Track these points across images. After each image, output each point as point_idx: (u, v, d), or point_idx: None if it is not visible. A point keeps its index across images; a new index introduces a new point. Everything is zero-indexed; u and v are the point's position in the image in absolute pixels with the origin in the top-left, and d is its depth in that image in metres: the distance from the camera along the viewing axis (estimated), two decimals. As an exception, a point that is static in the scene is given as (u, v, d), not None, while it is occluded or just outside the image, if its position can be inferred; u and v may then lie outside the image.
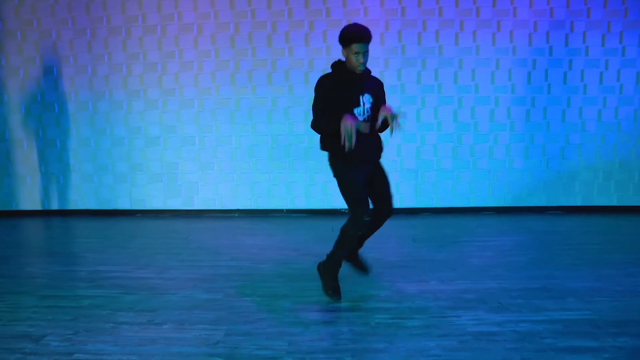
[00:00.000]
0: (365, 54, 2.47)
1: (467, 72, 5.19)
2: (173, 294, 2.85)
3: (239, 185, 5.36)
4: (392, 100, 5.14)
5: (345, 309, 2.60)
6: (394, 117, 2.45)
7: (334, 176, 2.68)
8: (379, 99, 2.67)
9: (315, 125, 2.60)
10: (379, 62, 5.15)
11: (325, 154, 2.73)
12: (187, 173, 5.38)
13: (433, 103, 5.23)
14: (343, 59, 2.59)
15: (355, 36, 2.44)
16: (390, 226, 4.77)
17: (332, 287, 2.68)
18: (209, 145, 5.32)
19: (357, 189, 2.57)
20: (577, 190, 5.33)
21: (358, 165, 2.61)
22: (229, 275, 3.18)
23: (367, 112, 2.59)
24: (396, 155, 5.28)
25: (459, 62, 5.18)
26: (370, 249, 3.80)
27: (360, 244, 2.92)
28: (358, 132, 2.48)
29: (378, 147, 2.72)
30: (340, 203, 5.09)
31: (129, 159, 5.39)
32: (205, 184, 5.39)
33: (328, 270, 2.71)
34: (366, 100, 2.58)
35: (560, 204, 5.35)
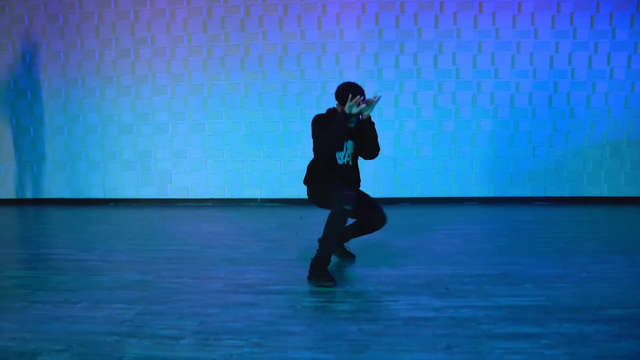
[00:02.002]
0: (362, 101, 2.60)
1: (448, 56, 4.96)
2: (105, 276, 2.71)
3: (212, 173, 5.23)
4: (370, 86, 4.96)
5: (276, 292, 2.41)
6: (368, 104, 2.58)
7: (315, 198, 2.75)
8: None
9: (321, 149, 2.67)
10: (355, 45, 4.97)
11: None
12: (161, 161, 5.27)
13: (412, 88, 5.01)
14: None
15: (345, 96, 2.58)
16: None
17: (322, 276, 2.50)
18: (182, 132, 5.20)
19: (337, 187, 2.59)
20: (565, 180, 5.06)
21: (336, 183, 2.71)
22: (172, 259, 3.03)
23: (348, 157, 2.74)
24: (373, 143, 5.07)
25: (439, 45, 4.96)
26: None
27: (346, 240, 2.96)
28: (339, 169, 2.72)
29: (356, 183, 2.85)
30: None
31: (102, 147, 5.31)
32: (179, 173, 5.26)
33: (317, 262, 2.54)
34: (349, 145, 2.73)
35: (547, 195, 5.08)
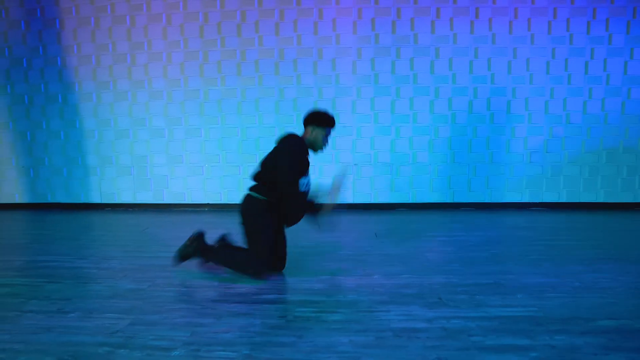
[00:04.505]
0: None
1: (445, 61, 4.97)
2: (98, 284, 2.71)
3: (209, 179, 5.23)
4: (366, 90, 4.97)
5: (268, 301, 2.42)
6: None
7: (247, 219, 2.73)
8: None
9: (295, 195, 2.63)
10: (352, 51, 4.97)
11: None
12: (157, 166, 5.27)
13: (408, 94, 5.02)
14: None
15: (332, 122, 2.71)
16: (357, 221, 4.60)
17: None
18: (178, 137, 5.21)
19: (268, 242, 2.70)
20: (561, 186, 5.06)
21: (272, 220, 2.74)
22: (166, 266, 3.03)
23: (308, 185, 2.74)
24: (370, 148, 5.08)
25: (435, 50, 4.97)
26: (324, 244, 3.63)
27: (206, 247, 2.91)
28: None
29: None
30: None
31: (99, 151, 5.31)
32: (175, 178, 5.27)
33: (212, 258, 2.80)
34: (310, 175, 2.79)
35: (544, 200, 5.09)
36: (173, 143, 5.20)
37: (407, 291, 2.56)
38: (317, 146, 2.75)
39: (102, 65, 5.17)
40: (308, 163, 2.70)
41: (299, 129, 5.08)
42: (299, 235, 3.93)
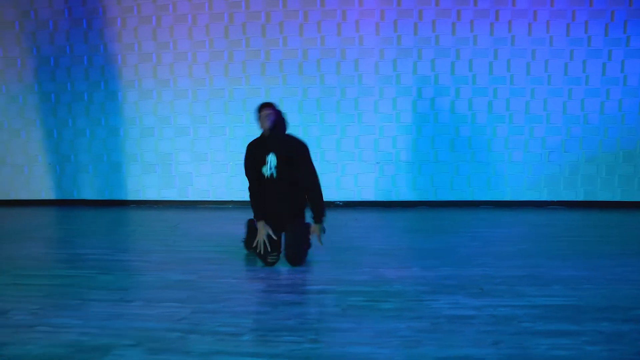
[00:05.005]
0: (269, 115, 2.95)
1: (465, 62, 5.08)
2: (148, 275, 2.81)
3: (233, 176, 5.33)
4: (388, 90, 5.08)
5: (318, 291, 2.52)
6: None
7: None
8: (294, 161, 2.99)
9: (250, 194, 3.06)
10: (374, 52, 5.08)
11: None
12: (182, 164, 5.37)
13: (429, 94, 5.13)
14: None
15: (258, 108, 3.02)
16: (381, 218, 4.71)
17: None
18: (203, 136, 5.31)
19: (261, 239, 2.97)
20: (579, 184, 5.18)
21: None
22: (209, 259, 3.13)
23: (272, 169, 2.98)
24: (392, 147, 5.19)
25: (455, 52, 5.08)
26: (357, 239, 3.74)
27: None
28: (267, 185, 3.01)
29: (293, 215, 3.09)
30: (336, 196, 5.04)
31: (124, 149, 5.41)
32: (200, 175, 5.37)
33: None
34: (270, 159, 2.99)
35: (561, 199, 5.20)
36: (198, 141, 5.30)
37: (448, 282, 2.67)
38: (262, 127, 3.01)
39: (128, 64, 5.27)
40: (257, 156, 3.00)
41: (322, 128, 5.22)
42: (331, 230, 4.03)
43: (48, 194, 5.53)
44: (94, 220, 4.64)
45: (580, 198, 5.19)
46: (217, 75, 5.21)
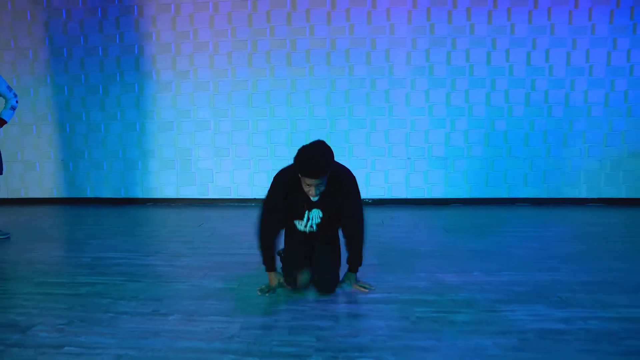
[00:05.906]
0: (319, 185, 2.12)
1: (501, 52, 4.79)
2: (182, 283, 2.55)
3: (256, 172, 5.06)
4: (420, 82, 4.80)
5: (379, 300, 2.25)
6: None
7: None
8: (338, 208, 2.32)
9: (257, 226, 2.38)
10: (406, 42, 4.79)
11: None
12: (202, 160, 5.10)
13: (464, 86, 4.84)
14: None
15: (302, 168, 2.10)
16: (416, 216, 4.43)
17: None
18: (225, 130, 5.03)
19: (289, 260, 2.44)
20: (620, 181, 4.89)
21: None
22: (246, 264, 2.86)
23: (312, 227, 2.36)
24: (424, 142, 4.91)
25: (492, 41, 4.79)
26: (400, 239, 3.46)
27: None
28: (298, 235, 2.42)
29: (325, 242, 2.46)
30: (365, 194, 4.76)
31: (140, 144, 5.14)
32: (221, 172, 5.09)
33: None
34: (314, 215, 2.34)
35: (602, 196, 4.92)
36: (219, 135, 5.02)
37: (518, 289, 2.39)
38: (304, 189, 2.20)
39: (145, 55, 4.98)
40: (294, 203, 2.31)
41: (350, 122, 4.94)
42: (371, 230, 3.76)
43: (60, 191, 5.27)
44: (110, 220, 4.37)
45: (623, 195, 4.91)
46: (239, 66, 4.92)
